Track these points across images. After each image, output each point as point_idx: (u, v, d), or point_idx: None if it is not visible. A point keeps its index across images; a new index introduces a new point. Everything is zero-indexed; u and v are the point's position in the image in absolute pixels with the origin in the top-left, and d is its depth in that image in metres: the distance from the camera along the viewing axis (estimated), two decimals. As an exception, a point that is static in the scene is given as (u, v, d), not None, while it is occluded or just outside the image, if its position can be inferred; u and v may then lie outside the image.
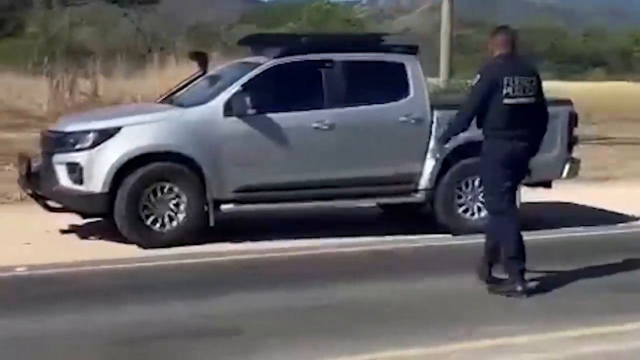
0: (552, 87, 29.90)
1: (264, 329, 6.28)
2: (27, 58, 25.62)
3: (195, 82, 10.45)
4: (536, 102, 7.13)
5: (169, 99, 10.26)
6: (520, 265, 7.06)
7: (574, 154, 10.39)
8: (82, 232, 9.70)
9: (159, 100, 10.48)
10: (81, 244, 9.37)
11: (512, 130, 7.02)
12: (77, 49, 29.95)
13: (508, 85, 6.96)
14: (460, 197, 9.85)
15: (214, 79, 10.10)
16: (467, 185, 9.86)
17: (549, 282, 7.57)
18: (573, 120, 10.24)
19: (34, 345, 5.97)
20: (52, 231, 9.75)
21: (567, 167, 10.20)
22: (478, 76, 7.19)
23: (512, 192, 7.22)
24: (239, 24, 39.65)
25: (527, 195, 10.27)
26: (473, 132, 9.69)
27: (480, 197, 9.80)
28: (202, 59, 10.49)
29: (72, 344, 5.98)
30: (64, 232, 9.79)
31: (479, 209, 9.81)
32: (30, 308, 6.85)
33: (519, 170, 7.23)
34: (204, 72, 10.43)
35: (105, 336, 6.14)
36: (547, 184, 10.51)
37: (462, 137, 9.61)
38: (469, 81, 20.34)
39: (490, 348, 5.98)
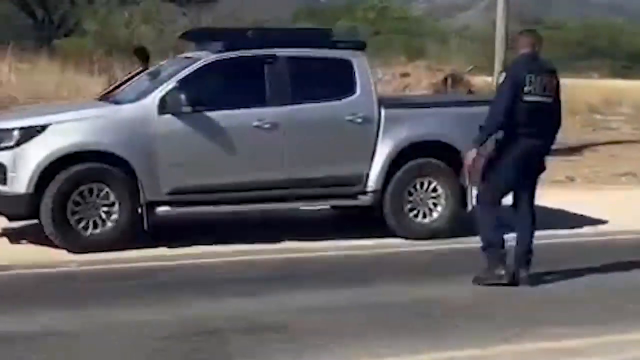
0: (609, 86, 29.73)
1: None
2: (85, 56, 25.10)
3: (136, 78, 9.93)
4: (553, 102, 7.33)
5: (107, 96, 9.73)
6: (503, 254, 7.33)
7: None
8: (17, 235, 9.16)
9: (97, 97, 9.93)
10: (8, 247, 8.84)
11: (530, 128, 7.20)
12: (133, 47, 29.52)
13: (530, 83, 7.17)
14: (410, 199, 9.42)
15: (153, 75, 9.59)
16: (420, 186, 9.44)
17: (583, 284, 7.55)
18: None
19: None
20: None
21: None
22: (503, 74, 7.37)
23: (526, 189, 7.43)
24: (295, 22, 39.28)
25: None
26: (425, 131, 9.48)
27: (430, 201, 9.45)
28: (143, 55, 9.99)
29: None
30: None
31: (430, 212, 9.42)
32: None
33: (532, 167, 7.40)
34: (146, 68, 9.92)
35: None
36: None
37: (413, 136, 9.38)
38: None
39: (544, 350, 5.85)
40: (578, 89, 29.38)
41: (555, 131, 7.48)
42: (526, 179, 7.43)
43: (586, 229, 10.30)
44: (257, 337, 6.06)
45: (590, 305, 7.05)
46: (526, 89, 7.16)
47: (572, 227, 10.29)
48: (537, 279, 7.55)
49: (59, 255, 8.44)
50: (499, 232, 7.39)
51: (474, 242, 7.78)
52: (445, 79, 25.59)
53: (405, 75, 27.90)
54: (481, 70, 27.62)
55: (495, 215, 7.42)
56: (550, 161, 7.87)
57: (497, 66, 22.45)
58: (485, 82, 24.97)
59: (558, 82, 7.37)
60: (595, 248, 9.29)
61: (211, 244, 8.95)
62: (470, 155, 7.31)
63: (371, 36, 33.56)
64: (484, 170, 7.40)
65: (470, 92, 24.87)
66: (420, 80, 27.09)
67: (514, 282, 7.34)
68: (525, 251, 7.42)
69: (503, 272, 7.32)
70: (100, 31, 30.26)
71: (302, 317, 6.55)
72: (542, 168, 7.49)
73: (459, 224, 9.43)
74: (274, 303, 6.93)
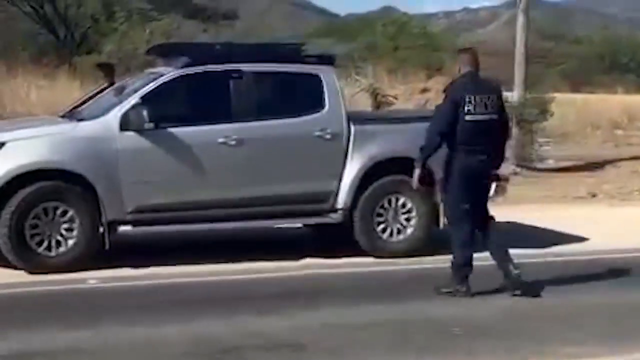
0: (630, 101, 29.34)
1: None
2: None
3: (100, 94, 9.78)
4: (498, 119, 7.43)
5: (71, 113, 9.58)
6: (466, 272, 7.47)
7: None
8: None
9: (61, 114, 9.79)
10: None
11: (474, 146, 7.32)
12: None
13: (470, 102, 7.28)
14: (380, 217, 9.15)
15: (116, 91, 9.42)
16: (388, 204, 9.16)
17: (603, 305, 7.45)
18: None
19: None
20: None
21: (493, 185, 9.47)
22: (443, 95, 7.49)
23: (473, 204, 7.47)
24: (314, 38, 39.41)
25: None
26: (396, 147, 9.22)
27: (401, 218, 9.18)
28: (108, 70, 9.85)
29: None
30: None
31: (399, 231, 9.14)
32: None
33: (481, 184, 7.50)
34: (111, 84, 9.76)
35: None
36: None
37: (383, 152, 9.13)
38: (546, 95, 19.85)
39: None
40: (600, 104, 28.97)
41: (502, 147, 7.60)
42: (476, 195, 7.49)
43: (599, 246, 10.05)
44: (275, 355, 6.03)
45: (608, 321, 6.98)
46: (466, 108, 7.27)
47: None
48: (556, 296, 7.55)
49: (15, 277, 8.28)
50: (464, 251, 7.48)
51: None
52: (463, 93, 25.21)
53: (425, 90, 27.68)
54: (504, 84, 27.30)
55: (461, 233, 7.50)
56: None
57: (518, 81, 22.24)
58: (505, 97, 24.73)
59: (501, 99, 7.52)
60: (612, 265, 8.98)
61: (176, 264, 8.74)
62: (415, 177, 7.48)
63: (391, 52, 33.37)
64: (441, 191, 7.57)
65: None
66: (440, 95, 26.85)
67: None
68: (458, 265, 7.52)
69: (464, 289, 7.47)
70: (118, 49, 30.38)
71: (318, 335, 6.50)
72: (492, 182, 7.67)
73: (432, 240, 9.17)
74: (284, 321, 6.84)
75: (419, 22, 41.04)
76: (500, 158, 7.62)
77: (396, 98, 25.16)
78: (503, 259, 7.55)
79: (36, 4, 35.48)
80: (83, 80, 25.26)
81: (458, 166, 7.36)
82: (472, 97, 7.29)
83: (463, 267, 7.49)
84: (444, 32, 51.54)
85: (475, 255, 8.02)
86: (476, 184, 7.43)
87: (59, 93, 23.78)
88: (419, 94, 27.39)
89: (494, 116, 7.39)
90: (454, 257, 7.54)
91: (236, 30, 36.91)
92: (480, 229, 7.56)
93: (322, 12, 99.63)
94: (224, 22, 36.67)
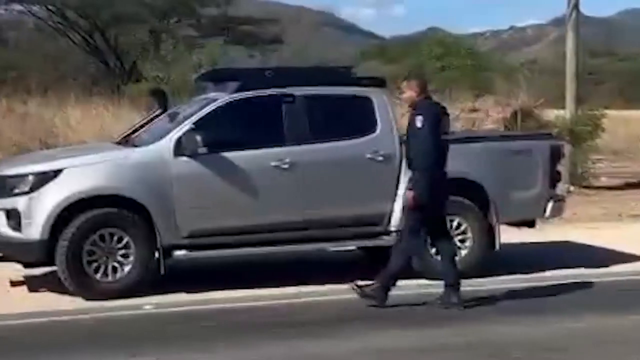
0: None
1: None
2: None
3: (154, 120, 9.87)
4: (450, 139, 8.04)
5: (125, 139, 9.69)
6: (458, 284, 7.89)
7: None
8: (36, 282, 9.13)
9: (115, 141, 9.90)
10: (25, 295, 8.80)
11: (439, 164, 7.79)
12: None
13: (441, 123, 7.78)
14: (434, 239, 9.08)
15: (170, 118, 9.51)
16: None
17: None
18: (555, 155, 9.46)
19: None
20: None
21: (550, 205, 9.41)
22: (421, 117, 7.73)
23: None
24: (361, 60, 39.59)
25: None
26: (450, 168, 9.15)
27: (456, 239, 9.10)
28: (160, 97, 9.94)
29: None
30: (15, 283, 9.23)
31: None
32: None
33: (443, 200, 7.97)
34: (164, 110, 9.86)
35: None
36: (529, 224, 9.72)
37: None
38: (597, 112, 19.71)
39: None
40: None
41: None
42: (437, 210, 7.98)
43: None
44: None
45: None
46: (439, 129, 7.77)
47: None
48: (614, 316, 7.49)
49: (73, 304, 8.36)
50: (453, 264, 7.97)
51: (519, 282, 8.02)
52: (515, 114, 25.12)
53: (473, 110, 27.54)
54: (551, 104, 27.10)
55: (450, 247, 8.05)
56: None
57: (569, 98, 22.08)
58: (556, 116, 24.55)
59: (449, 121, 8.07)
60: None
61: (231, 289, 8.75)
62: (410, 197, 7.80)
63: (438, 72, 33.28)
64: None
65: (541, 126, 24.42)
66: (489, 115, 26.72)
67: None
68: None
69: (455, 300, 7.83)
70: (167, 76, 30.75)
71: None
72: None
73: (487, 263, 9.08)
74: (341, 345, 6.82)
75: (465, 42, 40.87)
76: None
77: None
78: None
79: (86, 34, 36.15)
80: (133, 108, 25.66)
81: (430, 185, 7.71)
82: (440, 119, 7.80)
83: (454, 278, 7.88)
84: (491, 51, 51.29)
85: (531, 275, 7.97)
86: (440, 201, 7.95)
87: (110, 121, 24.15)
88: (467, 113, 27.27)
89: (448, 136, 8.00)
90: (446, 272, 7.95)
91: (283, 54, 37.13)
92: (445, 251, 8.08)
93: (368, 34, 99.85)
94: (270, 47, 36.94)
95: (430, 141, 7.68)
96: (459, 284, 7.90)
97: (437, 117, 7.79)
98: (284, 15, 48.35)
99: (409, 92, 7.91)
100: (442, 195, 7.91)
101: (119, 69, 35.29)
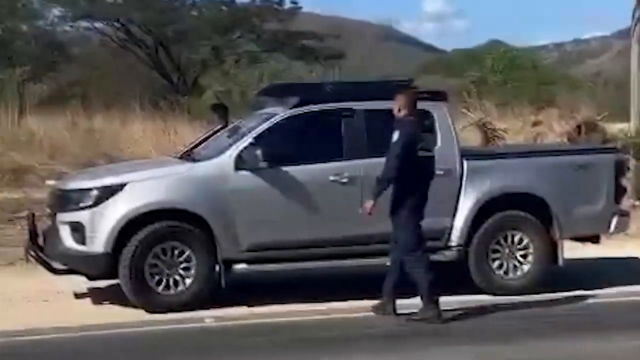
0: None
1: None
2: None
3: (215, 135, 9.97)
4: (432, 156, 8.20)
5: (187, 154, 9.80)
6: (437, 297, 7.95)
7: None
8: (99, 294, 9.27)
9: (177, 155, 10.02)
10: (88, 308, 8.94)
11: (418, 180, 8.02)
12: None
13: (418, 140, 7.98)
14: (496, 253, 9.00)
15: (231, 132, 9.60)
16: (504, 240, 9.01)
17: None
18: (620, 169, 9.31)
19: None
20: (63, 293, 9.37)
21: (614, 220, 9.24)
22: (397, 133, 7.97)
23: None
24: (422, 74, 39.70)
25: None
26: (511, 183, 9.08)
27: (518, 254, 9.01)
28: (222, 111, 10.03)
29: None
30: (79, 295, 9.38)
31: (515, 267, 8.97)
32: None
33: (422, 215, 8.14)
34: (225, 125, 9.95)
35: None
36: (594, 239, 9.56)
37: (498, 188, 9.00)
38: None
39: None
40: None
41: (430, 180, 8.15)
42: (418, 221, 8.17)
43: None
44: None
45: None
46: (417, 146, 7.96)
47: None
48: None
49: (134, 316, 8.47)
50: (429, 275, 7.99)
51: (583, 298, 7.95)
52: (579, 127, 24.80)
53: (536, 123, 27.23)
54: (616, 117, 26.71)
55: (422, 259, 8.08)
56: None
57: (633, 112, 21.78)
58: (620, 129, 24.17)
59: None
60: None
61: (291, 302, 8.77)
62: (367, 206, 8.00)
63: (500, 85, 33.02)
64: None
65: (605, 140, 24.08)
66: (553, 128, 26.41)
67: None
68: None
69: (432, 313, 7.91)
70: (228, 90, 31.07)
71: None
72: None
73: (549, 278, 8.96)
74: None
75: (528, 55, 40.46)
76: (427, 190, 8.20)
77: (506, 132, 24.87)
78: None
79: (150, 50, 36.72)
80: (195, 122, 25.97)
81: (413, 201, 7.98)
82: (419, 136, 8.04)
83: (435, 291, 7.94)
84: (554, 64, 50.70)
85: (595, 292, 7.81)
86: (421, 216, 8.12)
87: (173, 135, 24.47)
88: (530, 127, 26.98)
89: (427, 153, 8.16)
90: (424, 283, 7.95)
91: (343, 69, 37.17)
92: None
93: (429, 48, 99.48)
94: (331, 62, 37.03)
95: (397, 155, 7.89)
96: (437, 294, 7.92)
97: (412, 136, 7.95)
98: (345, 29, 48.44)
99: (394, 106, 8.14)
100: (420, 206, 8.07)
101: (182, 84, 35.75)
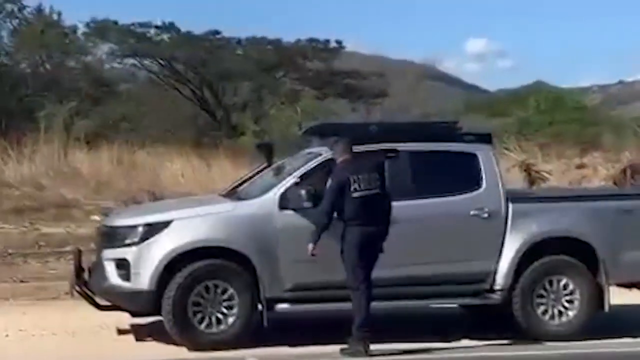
0: None
1: None
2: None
3: (260, 173, 10.02)
4: (381, 193, 8.39)
5: (232, 192, 9.85)
6: (366, 334, 8.27)
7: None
8: (142, 331, 9.30)
9: (222, 193, 10.08)
10: (131, 344, 8.98)
11: (362, 219, 8.29)
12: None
13: (354, 182, 8.25)
14: (541, 298, 8.90)
15: (275, 171, 9.65)
16: (549, 285, 8.91)
17: None
18: (668, 214, 9.18)
19: None
20: (107, 329, 9.43)
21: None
22: (331, 178, 8.42)
23: (367, 270, 8.34)
24: (465, 113, 39.91)
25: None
26: (556, 226, 8.99)
27: (563, 300, 8.89)
28: (267, 150, 10.08)
29: None
30: (122, 331, 9.43)
31: (560, 313, 8.85)
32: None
33: (372, 252, 8.37)
34: (270, 164, 10.00)
35: None
36: (641, 285, 9.42)
37: (543, 231, 8.92)
38: None
39: None
40: None
41: (387, 217, 8.41)
42: (367, 261, 8.34)
43: None
44: None
45: None
46: (352, 187, 8.21)
47: None
48: None
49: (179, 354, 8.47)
50: (367, 313, 8.28)
51: (630, 346, 7.87)
52: (624, 170, 24.53)
53: (581, 166, 27.01)
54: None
55: (364, 297, 8.29)
56: None
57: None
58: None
59: (383, 176, 8.47)
60: None
61: (333, 343, 8.69)
62: (308, 248, 8.30)
63: (545, 126, 32.83)
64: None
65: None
66: (597, 171, 26.16)
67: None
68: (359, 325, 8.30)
69: (360, 347, 8.24)
70: (264, 130, 31.28)
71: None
72: (380, 251, 8.42)
73: (596, 325, 8.82)
74: None
75: (572, 96, 40.20)
76: (387, 227, 8.44)
77: (550, 174, 24.69)
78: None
79: (195, 87, 37.15)
80: (236, 160, 26.12)
81: (352, 237, 8.27)
82: (356, 176, 8.26)
83: (365, 328, 8.24)
84: (599, 105, 50.27)
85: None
86: (367, 253, 8.32)
87: (215, 173, 24.64)
88: (575, 169, 26.75)
89: (376, 190, 8.32)
90: (358, 319, 8.26)
91: (385, 107, 37.25)
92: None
93: (472, 87, 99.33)
94: (374, 100, 37.14)
95: (328, 200, 8.30)
96: (367, 331, 8.23)
97: (341, 183, 8.28)
98: (388, 68, 48.58)
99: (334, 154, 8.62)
100: (365, 251, 8.30)
101: (225, 122, 36.06)
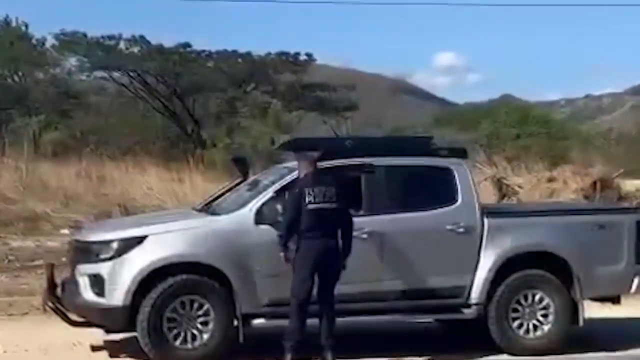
0: None
1: None
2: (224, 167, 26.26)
3: (235, 188, 9.97)
4: (338, 207, 8.41)
5: (207, 206, 9.79)
6: (293, 342, 8.36)
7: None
8: (116, 347, 9.20)
9: (197, 208, 10.02)
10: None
11: (315, 231, 8.34)
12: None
13: (309, 194, 8.32)
14: (516, 312, 8.93)
15: (251, 186, 9.61)
16: (524, 300, 8.94)
17: None
18: (642, 229, 9.26)
19: None
20: (80, 345, 9.31)
21: (635, 281, 9.18)
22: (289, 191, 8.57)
23: (320, 287, 8.39)
24: (434, 127, 40.13)
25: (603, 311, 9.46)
26: (531, 241, 9.03)
27: (538, 314, 8.93)
28: (242, 165, 10.04)
29: None
30: (96, 347, 9.31)
31: (535, 327, 8.89)
32: None
33: (327, 267, 8.37)
34: (245, 178, 9.96)
35: None
36: (614, 300, 9.48)
37: (518, 246, 8.96)
38: None
39: None
40: None
41: (345, 230, 8.44)
42: (323, 273, 8.37)
43: None
44: None
45: None
46: (307, 199, 8.29)
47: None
48: None
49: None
50: (298, 323, 8.35)
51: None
52: (594, 184, 24.73)
53: (551, 180, 27.19)
54: (631, 173, 26.68)
55: (299, 308, 8.33)
56: None
57: (647, 168, 21.72)
58: (636, 185, 24.14)
59: (340, 190, 8.42)
60: None
61: (308, 358, 8.68)
62: (282, 259, 8.37)
63: (512, 140, 33.16)
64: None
65: (620, 197, 23.99)
66: (567, 184, 26.33)
67: None
68: (327, 337, 8.39)
69: (289, 357, 8.33)
70: (235, 143, 31.25)
71: None
72: (339, 264, 8.41)
73: (570, 339, 8.86)
74: None
75: (540, 110, 40.65)
76: (348, 242, 8.45)
77: (521, 187, 24.82)
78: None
79: (165, 100, 37.01)
80: (207, 173, 26.03)
81: (304, 249, 8.32)
82: (311, 189, 8.33)
83: (291, 342, 8.32)
84: (566, 119, 50.90)
85: (616, 353, 7.67)
86: (323, 267, 8.35)
87: (186, 186, 24.52)
88: (545, 183, 26.93)
89: (333, 204, 8.34)
90: (287, 329, 8.36)
91: (356, 120, 37.36)
92: (325, 314, 8.42)
93: (442, 101, 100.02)
94: (344, 114, 37.23)
95: (287, 213, 8.41)
96: (292, 346, 8.33)
97: (296, 195, 8.40)
98: (358, 81, 48.75)
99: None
100: (317, 264, 8.32)
101: (196, 135, 35.95)
